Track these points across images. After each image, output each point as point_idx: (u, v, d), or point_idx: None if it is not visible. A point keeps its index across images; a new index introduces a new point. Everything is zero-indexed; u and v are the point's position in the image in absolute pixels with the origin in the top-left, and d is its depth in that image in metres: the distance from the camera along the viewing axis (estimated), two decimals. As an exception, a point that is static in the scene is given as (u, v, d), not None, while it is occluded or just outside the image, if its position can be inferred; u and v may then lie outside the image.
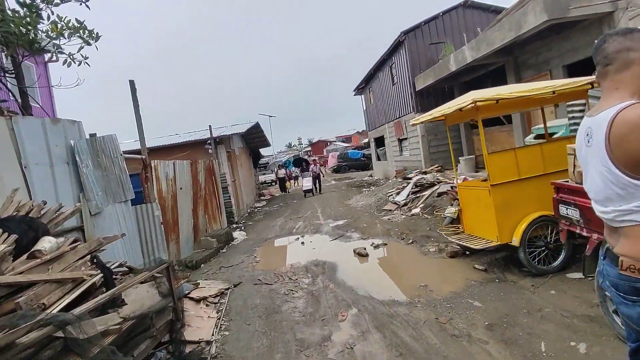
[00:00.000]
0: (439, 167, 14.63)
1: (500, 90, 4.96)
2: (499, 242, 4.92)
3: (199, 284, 5.91)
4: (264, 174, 29.85)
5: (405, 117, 16.82)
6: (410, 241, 7.40)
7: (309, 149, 76.59)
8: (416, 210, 9.84)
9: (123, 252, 6.33)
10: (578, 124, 6.81)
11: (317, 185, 19.06)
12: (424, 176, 11.52)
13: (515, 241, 4.82)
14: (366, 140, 60.29)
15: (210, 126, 12.90)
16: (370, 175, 24.70)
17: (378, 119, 21.46)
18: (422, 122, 6.04)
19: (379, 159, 23.00)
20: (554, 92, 4.79)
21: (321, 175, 19.96)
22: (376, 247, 7.42)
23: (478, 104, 4.63)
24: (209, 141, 12.84)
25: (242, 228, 11.95)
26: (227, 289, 5.93)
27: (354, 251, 7.22)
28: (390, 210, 10.79)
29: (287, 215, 13.13)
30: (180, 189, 8.71)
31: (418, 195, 10.76)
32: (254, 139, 19.98)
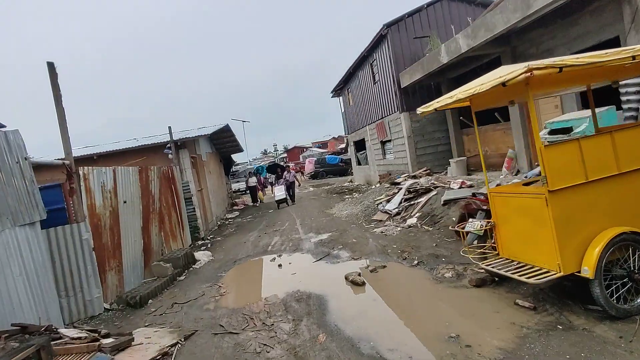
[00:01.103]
0: (428, 171, 13.26)
1: (561, 59, 3.47)
2: (562, 273, 3.40)
3: (132, 338, 4.10)
4: (237, 181, 27.85)
5: (388, 117, 15.43)
6: (416, 262, 5.83)
7: (285, 155, 74.76)
8: (412, 221, 8.33)
9: (25, 295, 4.45)
10: (635, 109, 5.45)
11: (291, 194, 16.69)
12: (417, 181, 10.05)
13: (588, 271, 3.31)
14: (342, 145, 58.99)
15: (170, 127, 11.03)
16: (351, 181, 23.22)
17: (358, 121, 20.03)
18: (435, 109, 4.51)
19: (359, 164, 21.56)
20: (634, 58, 3.35)
21: (296, 182, 17.94)
22: (373, 271, 5.81)
23: (535, 72, 3.11)
24: (168, 145, 10.95)
25: (209, 246, 10.09)
26: (174, 345, 4.15)
27: (347, 278, 5.58)
28: (381, 220, 9.24)
29: (262, 229, 11.36)
30: (124, 202, 6.84)
31: (412, 202, 9.27)
32: (225, 143, 18.11)
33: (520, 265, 3.78)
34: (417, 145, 14.10)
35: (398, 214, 9.21)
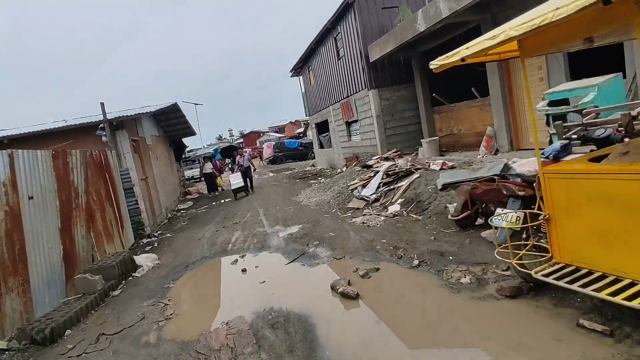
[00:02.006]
0: (398, 152, 12.22)
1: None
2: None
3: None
4: (191, 168, 25.53)
5: (355, 95, 14.15)
6: (416, 263, 4.64)
7: (241, 140, 71.86)
8: (395, 208, 7.17)
9: None
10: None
11: (249, 181, 14.33)
12: (395, 163, 8.89)
13: None
14: (300, 130, 57.27)
15: (102, 104, 8.98)
16: (313, 165, 21.88)
17: (320, 101, 18.60)
18: (462, 60, 3.22)
19: (322, 147, 20.24)
20: None
21: (252, 168, 15.31)
22: (365, 275, 4.54)
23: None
24: (101, 125, 8.94)
25: (156, 245, 8.37)
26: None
27: (334, 288, 4.27)
28: (358, 208, 8.01)
29: (219, 222, 9.75)
30: (30, 198, 5.03)
31: (392, 187, 8.10)
32: (174, 125, 16.01)
33: (599, 276, 2.64)
34: (386, 125, 12.98)
35: (377, 200, 8.02)
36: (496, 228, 3.45)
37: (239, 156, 14.68)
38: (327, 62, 16.45)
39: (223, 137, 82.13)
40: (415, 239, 5.47)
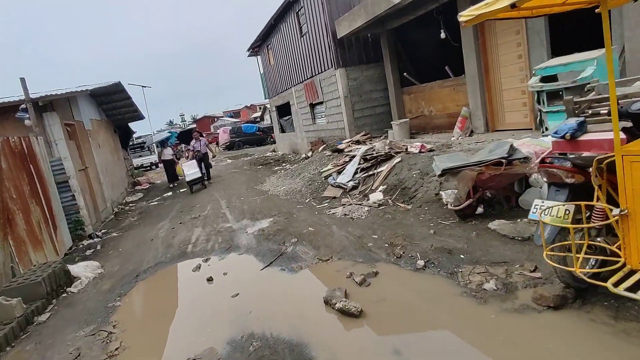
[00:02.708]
0: (368, 135, 11.48)
1: None
2: None
3: None
4: (140, 155, 23.32)
5: (320, 75, 13.15)
6: (422, 264, 3.87)
7: (194, 125, 68.24)
8: (377, 196, 6.39)
9: None
10: None
11: (206, 170, 12.40)
12: (373, 146, 8.08)
13: None
14: (257, 114, 55.16)
15: (23, 80, 7.29)
16: (274, 151, 20.71)
17: (281, 82, 17.37)
18: (510, 7, 2.37)
19: (283, 131, 19.11)
20: None
21: (209, 155, 13.17)
22: (363, 282, 3.71)
23: None
24: (22, 106, 7.29)
25: (99, 247, 7.01)
26: None
27: (328, 303, 3.40)
28: (334, 197, 7.16)
29: (175, 216, 8.49)
30: None
31: (371, 173, 7.32)
32: (119, 108, 14.13)
33: None
34: (354, 107, 12.16)
35: (355, 187, 7.21)
36: (533, 223, 2.71)
37: (194, 140, 12.64)
38: (288, 39, 15.22)
39: (174, 123, 77.64)
40: (412, 233, 4.72)
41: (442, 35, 8.89)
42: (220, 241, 5.97)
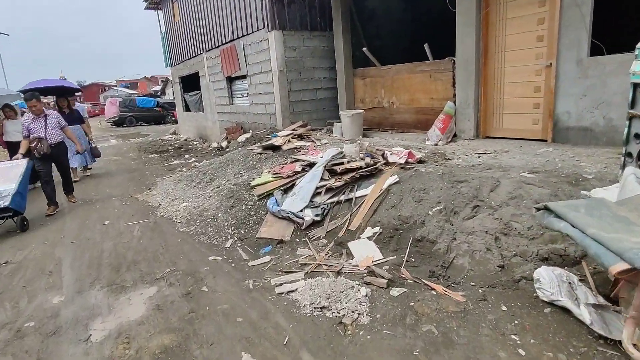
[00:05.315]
0: (307, 126, 8.24)
1: None
2: None
3: None
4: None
5: (244, 39, 9.38)
6: None
7: (79, 93, 56.40)
8: (371, 255, 3.27)
9: None
10: None
11: (65, 174, 6.09)
12: (341, 150, 4.81)
13: None
14: (157, 87, 47.09)
15: None
16: (174, 133, 16.12)
17: (189, 46, 12.93)
18: None
19: (188, 110, 14.68)
20: None
21: (88, 135, 8.16)
22: None
23: None
24: None
25: None
26: None
27: None
28: (281, 241, 3.81)
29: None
30: None
31: (342, 197, 4.14)
32: None
33: None
34: (290, 87, 8.78)
35: (317, 223, 3.96)
36: None
37: (27, 115, 5.75)
38: (200, -13, 10.96)
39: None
40: None
41: (438, -7, 6.02)
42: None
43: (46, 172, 5.54)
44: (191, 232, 4.42)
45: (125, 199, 6.16)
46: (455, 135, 6.64)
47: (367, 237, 3.57)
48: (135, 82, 59.78)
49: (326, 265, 3.29)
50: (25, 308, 3.12)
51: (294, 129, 7.76)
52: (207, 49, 11.43)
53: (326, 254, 3.50)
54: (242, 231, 4.17)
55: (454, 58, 6.56)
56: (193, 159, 9.11)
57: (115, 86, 55.47)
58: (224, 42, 10.32)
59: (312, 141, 6.68)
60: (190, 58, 12.96)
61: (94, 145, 8.45)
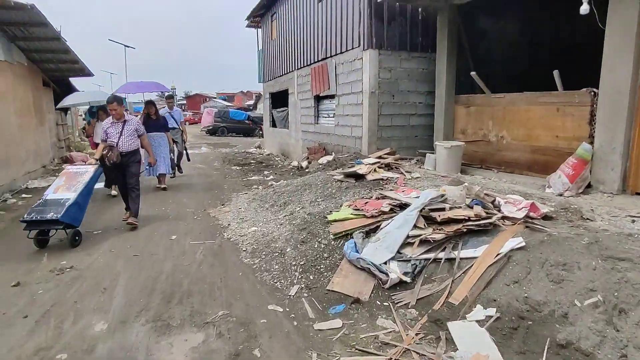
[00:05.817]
0: (393, 154, 7.36)
1: None
2: None
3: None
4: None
5: (338, 57, 8.97)
6: None
7: (185, 102, 63.07)
8: (479, 346, 2.30)
9: None
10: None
11: (133, 187, 5.24)
12: (445, 193, 3.87)
13: None
14: (251, 102, 50.18)
15: None
16: (259, 147, 16.46)
17: (282, 62, 13.09)
18: None
19: (274, 125, 14.83)
20: None
21: (184, 138, 8.96)
22: None
23: None
24: None
25: None
26: None
27: None
28: (357, 300, 3.01)
29: (31, 257, 4.15)
30: None
31: (439, 255, 3.21)
32: (48, 52, 9.61)
33: None
34: (381, 110, 8.05)
35: (405, 284, 3.09)
36: None
37: (110, 118, 5.26)
38: (300, 5, 10.97)
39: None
40: None
41: (584, 8, 4.81)
42: None
43: (121, 182, 5.35)
44: (255, 265, 3.84)
45: (198, 212, 5.93)
46: (589, 186, 5.22)
47: (477, 320, 2.58)
48: (232, 95, 64.89)
49: (417, 353, 2.39)
50: (66, 331, 2.78)
51: (380, 157, 6.97)
52: (299, 67, 11.34)
53: (417, 334, 2.59)
54: (311, 277, 3.46)
55: (594, 89, 5.23)
56: (271, 177, 8.82)
57: (215, 98, 60.78)
58: (316, 60, 10.06)
59: (402, 173, 5.81)
60: (282, 75, 13.08)
61: (186, 151, 9.12)
